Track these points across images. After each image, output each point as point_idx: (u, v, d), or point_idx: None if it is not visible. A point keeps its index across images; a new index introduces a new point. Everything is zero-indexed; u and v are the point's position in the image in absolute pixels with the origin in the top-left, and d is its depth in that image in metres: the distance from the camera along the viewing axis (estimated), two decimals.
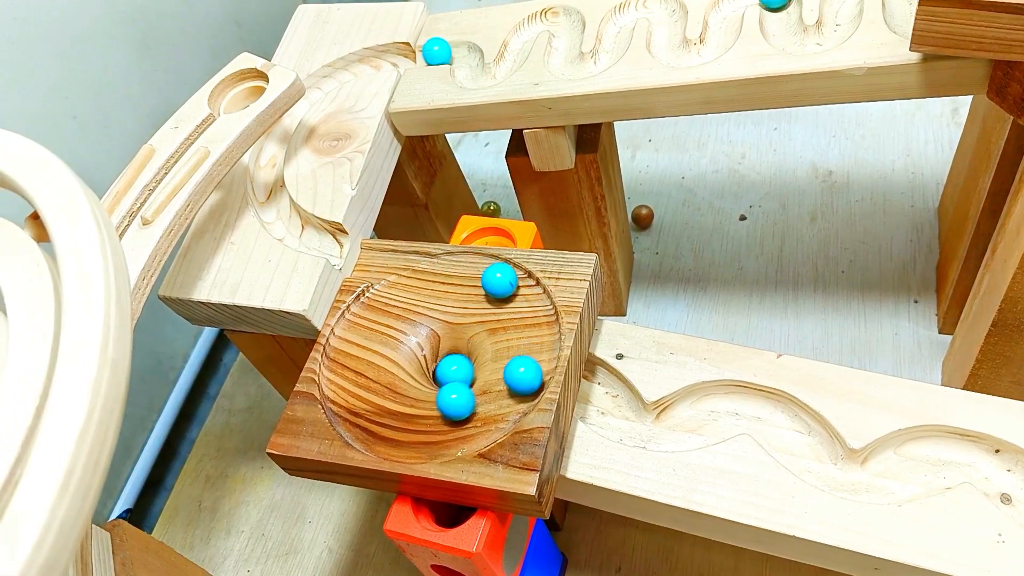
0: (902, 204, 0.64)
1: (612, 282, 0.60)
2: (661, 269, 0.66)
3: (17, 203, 0.31)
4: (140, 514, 0.70)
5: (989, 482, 0.36)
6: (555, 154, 0.50)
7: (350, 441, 0.38)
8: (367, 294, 0.43)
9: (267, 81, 0.45)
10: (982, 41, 0.36)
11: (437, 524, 0.38)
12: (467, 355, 0.41)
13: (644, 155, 0.74)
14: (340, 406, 0.40)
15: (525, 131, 0.49)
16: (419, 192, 0.57)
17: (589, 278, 0.40)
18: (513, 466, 0.35)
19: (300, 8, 0.57)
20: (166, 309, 0.46)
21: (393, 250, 0.45)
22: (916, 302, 0.59)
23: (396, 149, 0.51)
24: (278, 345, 0.48)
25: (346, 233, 0.44)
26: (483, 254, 0.43)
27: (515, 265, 0.42)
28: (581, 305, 0.39)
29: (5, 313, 0.26)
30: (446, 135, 0.60)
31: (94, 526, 0.36)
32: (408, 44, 0.52)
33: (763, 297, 0.62)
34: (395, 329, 0.42)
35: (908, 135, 0.68)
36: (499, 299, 0.41)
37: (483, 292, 0.42)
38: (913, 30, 0.38)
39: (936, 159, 0.66)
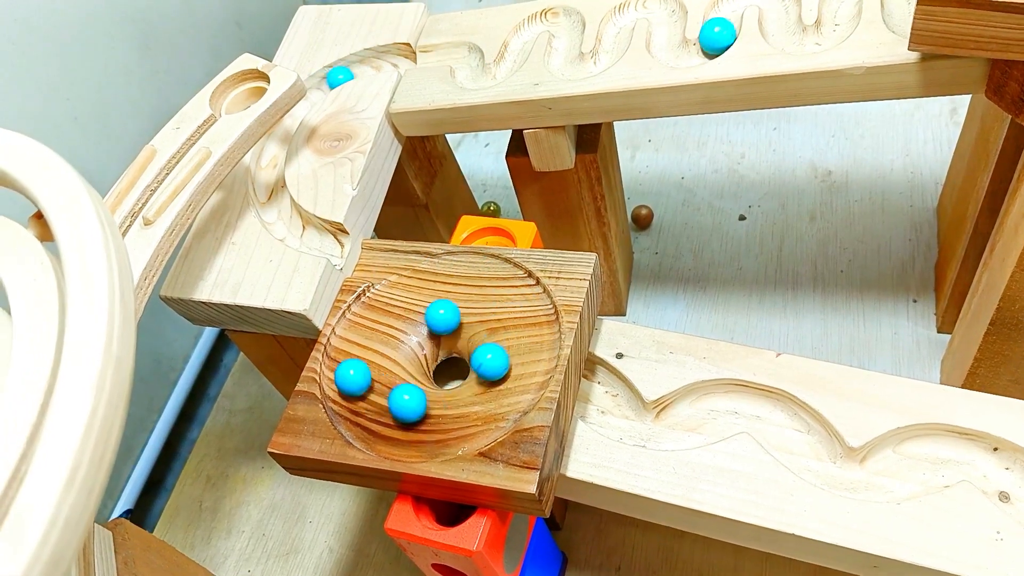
0: (901, 203, 0.64)
1: (612, 282, 0.60)
2: (661, 269, 0.66)
3: (20, 203, 0.31)
4: (141, 514, 0.70)
5: (987, 480, 0.36)
6: (555, 154, 0.50)
7: (351, 440, 0.38)
8: (368, 294, 0.44)
9: (268, 82, 0.45)
10: (980, 40, 0.36)
11: (438, 523, 0.38)
12: (467, 355, 0.41)
13: (644, 155, 0.74)
14: (341, 405, 0.40)
15: (525, 131, 0.49)
16: (419, 192, 0.57)
17: (589, 278, 0.40)
18: (513, 465, 0.35)
19: (301, 9, 0.57)
20: (167, 309, 0.46)
21: (394, 250, 0.45)
22: (915, 301, 0.59)
23: (397, 149, 0.51)
24: (279, 345, 0.49)
25: (347, 233, 0.45)
26: (484, 254, 0.43)
27: (515, 264, 0.42)
28: (581, 304, 0.39)
29: (9, 311, 0.27)
30: (446, 135, 0.60)
31: (96, 525, 0.36)
32: (409, 45, 0.53)
33: (762, 296, 0.62)
34: (396, 329, 0.42)
35: (907, 135, 0.68)
36: (499, 299, 0.41)
37: (484, 291, 0.42)
38: (911, 29, 0.38)
39: (935, 158, 0.66)
